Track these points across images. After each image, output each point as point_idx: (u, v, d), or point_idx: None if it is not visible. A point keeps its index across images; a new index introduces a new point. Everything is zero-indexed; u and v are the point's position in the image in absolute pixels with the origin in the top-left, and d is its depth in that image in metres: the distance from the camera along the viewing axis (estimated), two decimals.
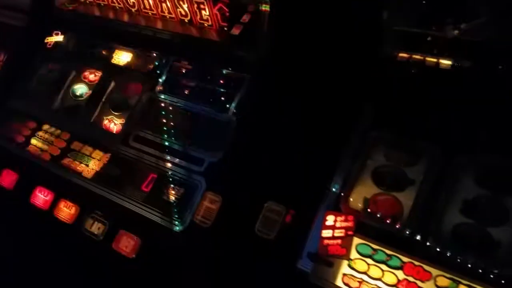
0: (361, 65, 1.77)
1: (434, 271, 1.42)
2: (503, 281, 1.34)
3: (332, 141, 1.72)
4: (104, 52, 2.51)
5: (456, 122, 1.60)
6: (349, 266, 1.52)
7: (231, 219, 1.64)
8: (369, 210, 1.62)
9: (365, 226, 1.56)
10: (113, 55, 2.47)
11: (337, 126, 1.74)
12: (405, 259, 1.47)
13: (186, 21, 2.29)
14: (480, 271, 1.38)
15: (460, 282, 1.38)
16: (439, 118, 1.63)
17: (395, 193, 1.62)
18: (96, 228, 1.79)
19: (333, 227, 1.57)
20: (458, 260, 1.41)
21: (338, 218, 1.58)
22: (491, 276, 1.36)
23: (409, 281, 1.43)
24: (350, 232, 1.57)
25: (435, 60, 1.69)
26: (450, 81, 1.67)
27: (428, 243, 1.47)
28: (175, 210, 1.77)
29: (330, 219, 1.58)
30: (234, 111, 1.94)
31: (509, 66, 1.55)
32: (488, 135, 1.54)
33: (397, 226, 1.53)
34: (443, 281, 1.40)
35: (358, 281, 1.49)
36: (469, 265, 1.39)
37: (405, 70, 1.73)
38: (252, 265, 1.57)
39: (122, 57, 2.44)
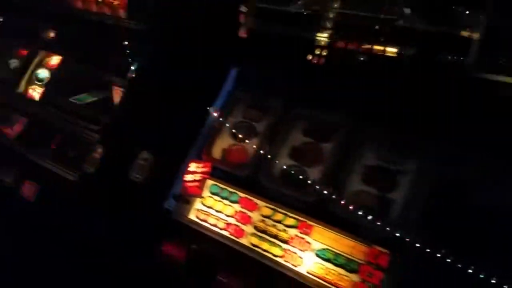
0: (228, 35, 2.06)
1: (261, 203, 1.76)
2: (311, 209, 1.67)
3: (201, 101, 2.03)
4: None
5: (297, 83, 1.90)
6: (201, 203, 1.86)
7: (111, 166, 1.98)
8: (224, 158, 1.94)
9: (218, 171, 1.90)
10: (42, 32, 2.77)
11: (207, 88, 2.04)
12: (242, 195, 1.81)
13: (100, 1, 2.57)
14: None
15: (277, 211, 1.71)
16: (285, 79, 1.93)
17: (245, 143, 1.93)
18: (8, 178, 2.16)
19: (194, 172, 1.89)
20: (280, 194, 1.74)
21: (198, 165, 1.90)
22: (302, 205, 1.69)
23: (242, 212, 1.77)
24: (206, 176, 1.90)
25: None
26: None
27: (261, 182, 1.80)
28: (74, 163, 2.11)
29: (192, 166, 1.90)
30: (130, 78, 2.25)
31: None
32: (319, 92, 1.85)
33: (241, 169, 1.86)
34: (266, 210, 1.74)
35: (206, 214, 1.83)
36: (287, 198, 1.72)
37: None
38: (126, 204, 1.91)
39: (49, 34, 2.74)
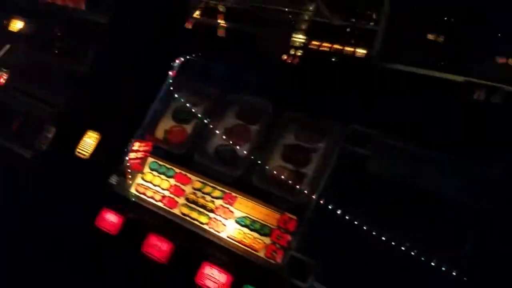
0: (174, 27, 2.25)
1: (194, 178, 1.94)
2: (236, 183, 1.86)
3: (147, 87, 2.21)
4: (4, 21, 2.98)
5: (233, 72, 2.10)
6: (142, 178, 2.04)
7: (61, 144, 2.15)
8: (165, 138, 2.12)
9: (160, 149, 2.08)
10: (10, 23, 2.94)
11: (153, 74, 2.22)
12: (177, 170, 1.99)
13: None
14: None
15: (207, 184, 1.90)
16: (222, 69, 2.12)
17: (184, 125, 2.12)
18: None
19: (137, 151, 2.07)
20: (212, 170, 1.93)
21: (141, 144, 2.08)
22: (230, 179, 1.88)
23: (176, 186, 1.95)
24: (147, 154, 2.08)
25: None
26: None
27: (196, 159, 1.98)
28: (31, 142, 2.27)
29: (136, 145, 2.08)
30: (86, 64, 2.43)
31: None
32: (250, 80, 2.04)
33: (179, 148, 2.04)
34: (197, 184, 1.92)
35: (145, 188, 2.01)
36: (217, 173, 1.91)
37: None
38: (73, 179, 2.08)
39: (17, 25, 2.91)
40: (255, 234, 1.73)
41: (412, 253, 1.49)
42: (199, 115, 2.08)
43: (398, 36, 1.75)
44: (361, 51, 1.79)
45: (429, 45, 1.70)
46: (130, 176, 2.05)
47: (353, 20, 1.82)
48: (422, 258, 1.48)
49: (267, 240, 1.71)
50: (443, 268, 1.46)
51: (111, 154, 2.12)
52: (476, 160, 1.52)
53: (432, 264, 1.47)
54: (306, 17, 1.89)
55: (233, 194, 1.84)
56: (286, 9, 1.93)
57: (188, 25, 2.22)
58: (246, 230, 1.76)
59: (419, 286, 1.46)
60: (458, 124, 1.58)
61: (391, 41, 1.75)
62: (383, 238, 1.53)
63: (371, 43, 1.76)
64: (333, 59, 1.86)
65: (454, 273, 1.44)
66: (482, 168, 1.51)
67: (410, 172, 1.60)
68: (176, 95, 2.19)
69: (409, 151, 1.62)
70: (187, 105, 2.16)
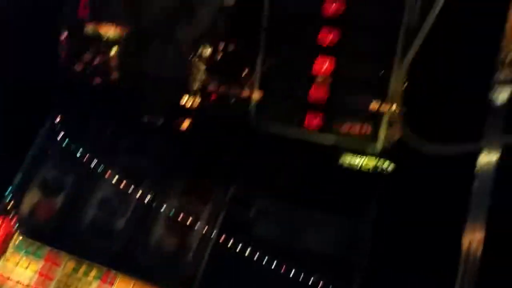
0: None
1: (66, 258, 1.75)
2: (116, 259, 1.71)
3: (13, 152, 1.97)
4: None
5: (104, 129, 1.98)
6: (5, 261, 1.78)
7: None
8: (32, 213, 1.89)
9: (25, 226, 1.84)
10: None
11: (20, 138, 1.99)
12: (46, 250, 1.77)
13: None
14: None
15: (82, 264, 1.73)
16: (93, 127, 1.99)
17: (53, 197, 1.91)
18: None
19: None
20: (86, 246, 1.75)
21: (3, 222, 1.83)
22: (108, 256, 1.72)
23: (45, 269, 1.74)
24: (10, 233, 1.83)
25: None
26: None
27: (67, 236, 1.79)
28: None
29: None
30: None
31: None
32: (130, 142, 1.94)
33: (47, 225, 1.83)
34: (71, 264, 1.73)
35: (7, 276, 1.75)
36: (93, 250, 1.74)
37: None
38: None
39: None
40: None
41: None
42: (70, 186, 1.90)
43: (274, 97, 1.79)
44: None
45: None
46: None
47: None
48: None
49: None
50: None
51: None
52: (348, 216, 1.62)
53: None
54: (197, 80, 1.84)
55: (112, 273, 1.69)
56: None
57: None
58: None
59: None
60: (332, 183, 1.66)
61: (268, 102, 1.78)
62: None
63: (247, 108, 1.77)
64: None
65: None
66: (353, 224, 1.61)
67: (290, 231, 1.64)
68: (43, 163, 1.99)
69: (288, 212, 1.67)
70: (56, 174, 1.96)
